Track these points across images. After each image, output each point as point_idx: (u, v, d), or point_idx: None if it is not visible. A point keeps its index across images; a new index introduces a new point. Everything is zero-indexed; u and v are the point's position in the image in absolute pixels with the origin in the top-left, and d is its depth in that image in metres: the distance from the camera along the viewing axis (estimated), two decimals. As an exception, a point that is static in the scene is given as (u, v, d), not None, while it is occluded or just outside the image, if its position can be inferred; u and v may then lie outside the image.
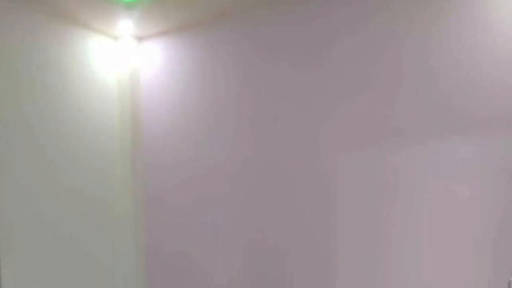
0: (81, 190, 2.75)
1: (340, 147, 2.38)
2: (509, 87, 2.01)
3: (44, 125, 2.55)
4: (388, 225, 2.27)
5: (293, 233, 2.52)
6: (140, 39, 2.99)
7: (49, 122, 2.58)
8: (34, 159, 2.49)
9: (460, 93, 2.10)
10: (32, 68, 2.50)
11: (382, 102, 2.27)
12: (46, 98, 2.56)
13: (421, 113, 2.17)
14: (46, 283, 2.54)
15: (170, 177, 2.93)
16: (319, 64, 2.43)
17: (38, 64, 2.53)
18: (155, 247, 3.00)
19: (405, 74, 2.21)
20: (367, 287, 2.33)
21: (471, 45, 2.08)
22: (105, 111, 2.91)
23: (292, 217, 2.52)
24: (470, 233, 2.09)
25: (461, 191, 2.11)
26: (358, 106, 2.32)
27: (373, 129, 2.29)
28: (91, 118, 2.82)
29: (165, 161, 2.95)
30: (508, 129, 2.01)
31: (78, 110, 2.74)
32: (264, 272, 2.61)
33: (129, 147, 3.01)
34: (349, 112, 2.35)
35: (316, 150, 2.45)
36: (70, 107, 2.70)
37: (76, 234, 2.72)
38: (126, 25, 2.83)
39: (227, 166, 2.73)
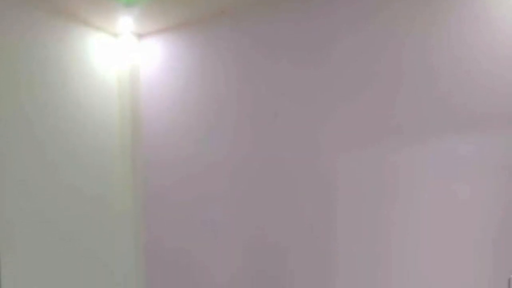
0: (80, 188, 2.75)
1: (340, 145, 2.38)
2: (509, 84, 2.01)
3: (43, 122, 2.55)
4: (388, 223, 2.27)
5: (293, 230, 2.52)
6: (140, 36, 2.99)
7: (49, 119, 2.58)
8: (33, 156, 2.49)
9: (460, 91, 2.10)
10: (32, 65, 2.50)
11: (382, 101, 2.27)
12: (45, 95, 2.56)
13: (421, 112, 2.17)
14: (46, 280, 2.55)
15: (170, 174, 2.94)
16: (319, 62, 2.43)
17: (38, 61, 2.52)
18: (155, 244, 3.01)
19: (405, 73, 2.21)
20: (367, 285, 2.34)
21: (471, 43, 2.07)
22: (105, 108, 2.91)
23: (292, 214, 2.53)
24: (470, 232, 2.09)
25: (461, 190, 2.11)
26: (358, 105, 2.32)
27: (373, 128, 2.29)
28: (91, 115, 2.82)
29: (165, 158, 2.95)
30: (508, 127, 2.01)
31: (78, 107, 2.74)
32: (264, 269, 2.62)
33: (129, 144, 3.02)
34: (349, 110, 2.35)
35: (316, 147, 2.45)
36: (70, 104, 2.70)
37: (76, 231, 2.72)
38: (126, 22, 2.83)
39: (227, 163, 2.73)
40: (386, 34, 2.25)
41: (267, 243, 2.61)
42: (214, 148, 2.77)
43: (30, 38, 2.49)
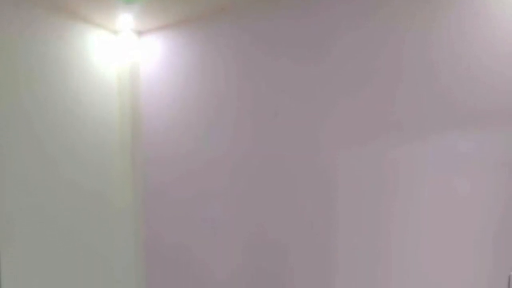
0: (80, 184, 2.75)
1: (340, 142, 2.38)
2: (509, 81, 2.00)
3: (43, 119, 2.55)
4: (388, 220, 2.27)
5: (293, 227, 2.52)
6: (140, 33, 2.99)
7: (49, 116, 2.58)
8: (33, 153, 2.49)
9: (460, 87, 2.10)
10: (32, 62, 2.50)
11: (382, 97, 2.26)
12: (45, 92, 2.56)
13: (421, 108, 2.17)
14: (45, 276, 2.55)
15: (169, 171, 2.94)
16: (319, 59, 2.43)
17: (38, 58, 2.52)
18: (154, 241, 3.01)
19: (405, 69, 2.21)
20: (366, 281, 2.34)
21: (471, 39, 2.07)
22: (104, 105, 2.91)
23: (292, 211, 2.53)
24: (470, 228, 2.09)
25: (461, 186, 2.11)
26: (358, 101, 2.32)
27: (373, 124, 2.29)
28: (90, 112, 2.82)
29: (165, 154, 2.95)
30: (508, 123, 2.01)
31: (78, 104, 2.74)
32: (263, 266, 2.62)
33: (128, 140, 3.02)
34: (349, 106, 2.35)
35: (316, 144, 2.45)
36: (70, 101, 2.70)
37: (75, 227, 2.72)
38: (126, 19, 2.83)
39: (227, 160, 2.73)
40: (386, 30, 2.24)
41: (267, 239, 2.61)
42: (214, 145, 2.77)
43: (30, 35, 2.49)
